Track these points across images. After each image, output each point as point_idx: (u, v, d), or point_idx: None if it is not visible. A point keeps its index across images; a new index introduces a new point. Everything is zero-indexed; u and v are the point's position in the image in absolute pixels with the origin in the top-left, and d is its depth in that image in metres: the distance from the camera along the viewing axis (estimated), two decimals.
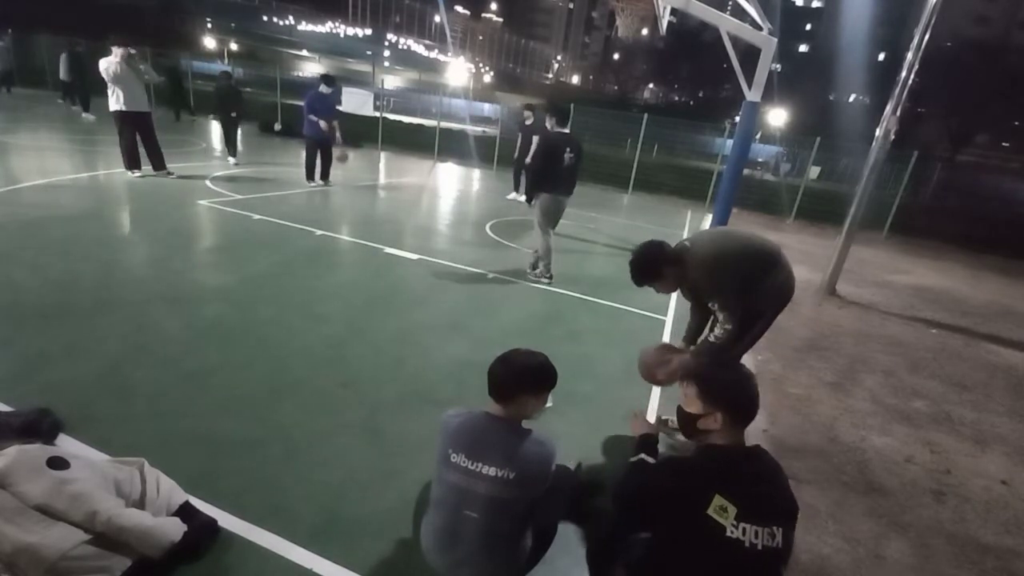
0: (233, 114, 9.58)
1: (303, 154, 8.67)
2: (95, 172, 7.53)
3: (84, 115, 13.05)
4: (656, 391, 3.37)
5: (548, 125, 5.04)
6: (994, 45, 33.27)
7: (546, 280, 5.26)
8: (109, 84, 6.92)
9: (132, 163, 7.44)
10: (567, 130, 5.02)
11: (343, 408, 2.72)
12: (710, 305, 2.48)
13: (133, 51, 7.11)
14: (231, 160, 9.64)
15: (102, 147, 9.26)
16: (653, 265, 2.48)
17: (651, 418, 3.03)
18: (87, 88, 13.31)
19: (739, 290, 2.45)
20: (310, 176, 8.67)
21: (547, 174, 4.91)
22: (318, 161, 8.69)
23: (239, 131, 9.94)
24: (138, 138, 7.37)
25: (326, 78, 8.54)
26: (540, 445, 1.66)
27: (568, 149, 4.86)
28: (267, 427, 2.48)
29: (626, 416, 3.02)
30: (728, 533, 1.30)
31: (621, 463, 2.58)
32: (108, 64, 6.87)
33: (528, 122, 9.79)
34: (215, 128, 9.65)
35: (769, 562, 1.32)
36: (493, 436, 1.64)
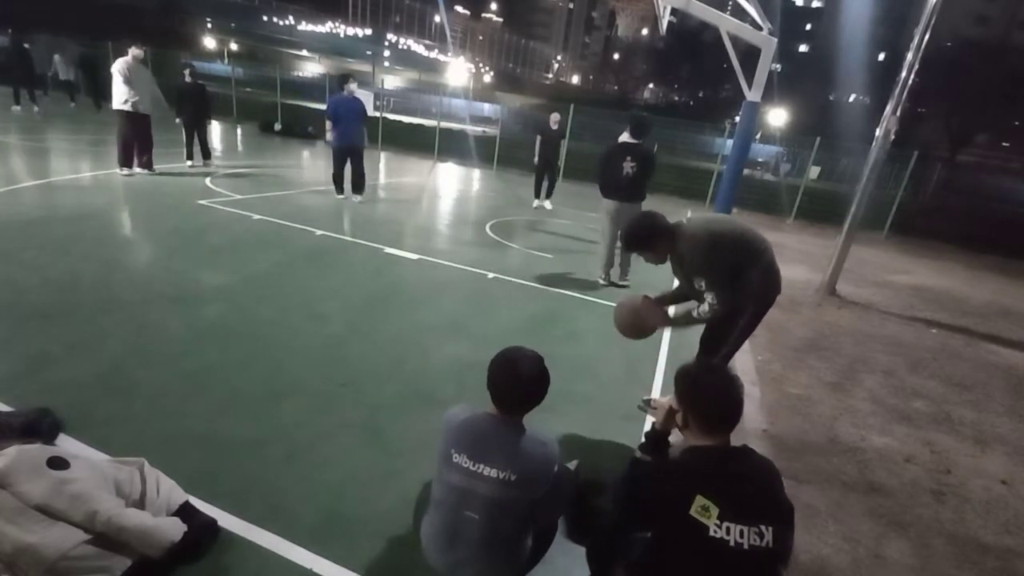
0: (188, 114, 8.50)
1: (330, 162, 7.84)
2: (95, 172, 7.53)
3: (26, 107, 13.05)
4: (658, 385, 3.38)
5: (624, 135, 5.14)
6: (994, 45, 33.25)
7: (603, 282, 5.45)
8: (121, 84, 7.01)
9: (126, 161, 7.49)
10: (636, 140, 5.05)
11: (343, 408, 2.72)
12: (696, 284, 2.51)
13: (139, 52, 7.22)
14: (188, 163, 8.68)
15: (101, 147, 9.26)
16: (645, 234, 2.58)
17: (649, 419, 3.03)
18: (34, 82, 13.47)
19: (728, 274, 2.49)
20: (338, 188, 7.90)
21: (603, 181, 5.22)
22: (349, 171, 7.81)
23: (206, 131, 9.00)
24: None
25: (345, 78, 7.55)
26: (543, 446, 1.66)
27: (629, 158, 5.00)
28: (267, 427, 2.48)
29: (626, 416, 3.03)
30: (711, 533, 1.30)
31: (621, 463, 2.58)
32: (125, 64, 7.01)
33: (554, 127, 9.42)
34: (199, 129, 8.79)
35: (761, 562, 1.31)
36: (495, 437, 1.63)
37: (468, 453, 1.60)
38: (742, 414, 1.51)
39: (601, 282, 5.49)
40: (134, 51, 7.12)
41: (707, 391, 1.50)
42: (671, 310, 2.90)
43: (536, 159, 9.43)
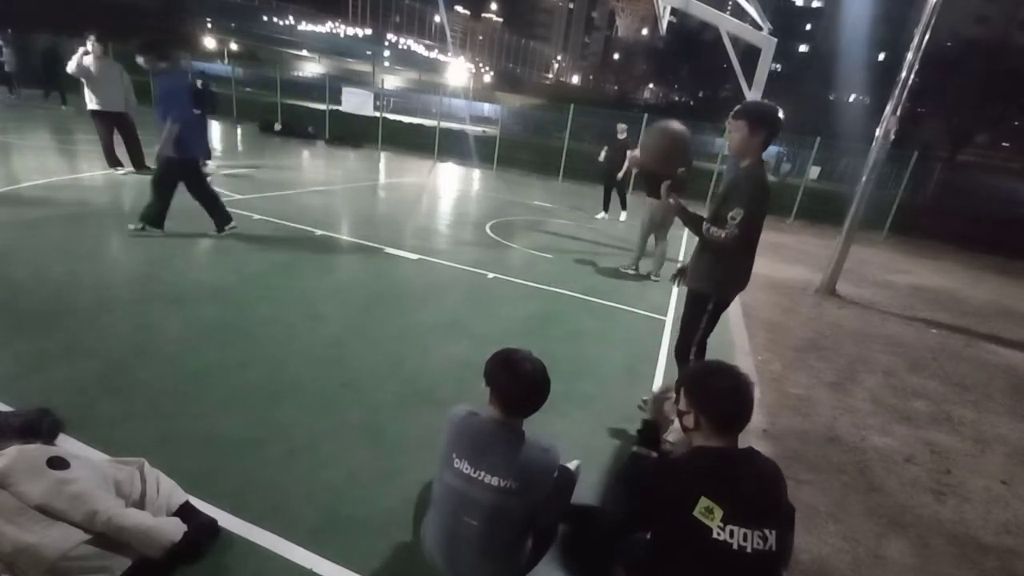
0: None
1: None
2: (94, 172, 7.53)
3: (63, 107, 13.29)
4: (658, 385, 3.37)
5: None
6: (994, 45, 33.23)
7: (632, 272, 5.98)
8: (83, 81, 6.90)
9: (112, 161, 7.49)
10: None
11: (343, 408, 2.72)
12: (733, 213, 2.45)
13: (91, 45, 6.95)
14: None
15: (98, 146, 9.25)
16: (765, 113, 2.49)
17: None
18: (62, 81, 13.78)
19: (758, 222, 2.50)
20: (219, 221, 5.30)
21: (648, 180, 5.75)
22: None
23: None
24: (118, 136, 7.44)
25: (150, 48, 4.62)
26: (544, 452, 1.65)
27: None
28: (267, 427, 2.48)
29: (626, 416, 3.03)
30: (715, 535, 1.29)
31: (621, 463, 2.58)
32: (80, 60, 6.84)
33: (621, 136, 8.80)
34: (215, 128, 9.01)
35: (764, 566, 1.31)
36: (496, 443, 1.62)
37: (469, 459, 1.60)
38: (752, 415, 1.49)
39: (630, 272, 5.96)
40: (91, 45, 6.90)
41: (718, 392, 1.48)
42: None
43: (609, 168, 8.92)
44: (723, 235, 2.47)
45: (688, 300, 2.87)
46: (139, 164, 7.71)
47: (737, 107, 2.58)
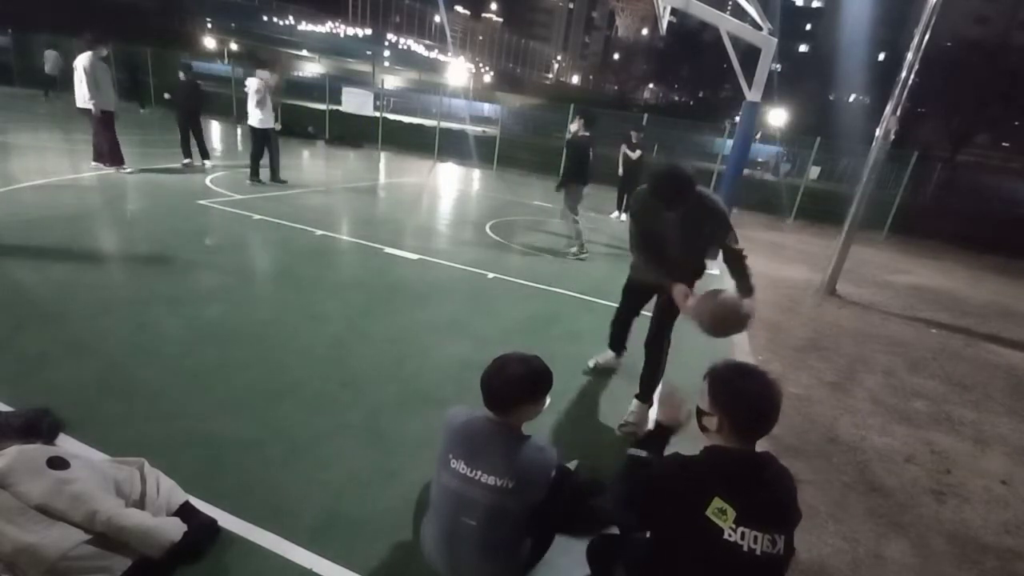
0: (182, 113, 8.58)
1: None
2: (94, 172, 7.53)
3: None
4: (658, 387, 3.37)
5: (577, 128, 6.27)
6: (994, 45, 33.22)
7: (584, 256, 6.37)
8: (85, 81, 6.89)
9: (117, 159, 7.53)
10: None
11: (343, 408, 2.72)
12: (732, 243, 2.52)
13: (105, 51, 7.14)
14: (185, 162, 8.72)
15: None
16: (688, 184, 2.43)
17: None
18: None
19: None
20: None
21: (588, 171, 6.21)
22: None
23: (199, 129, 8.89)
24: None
25: None
26: (540, 452, 1.64)
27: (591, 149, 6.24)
28: (267, 427, 2.48)
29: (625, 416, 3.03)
30: (726, 536, 1.29)
31: (621, 463, 2.57)
32: (86, 62, 6.88)
33: (635, 142, 9.21)
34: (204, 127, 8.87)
35: (770, 569, 1.31)
36: (493, 443, 1.61)
37: (466, 459, 1.59)
38: (776, 423, 1.44)
39: (580, 257, 6.35)
40: (98, 48, 6.98)
41: (747, 395, 1.44)
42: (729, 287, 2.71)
43: (620, 172, 9.36)
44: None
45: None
46: (114, 161, 7.69)
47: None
